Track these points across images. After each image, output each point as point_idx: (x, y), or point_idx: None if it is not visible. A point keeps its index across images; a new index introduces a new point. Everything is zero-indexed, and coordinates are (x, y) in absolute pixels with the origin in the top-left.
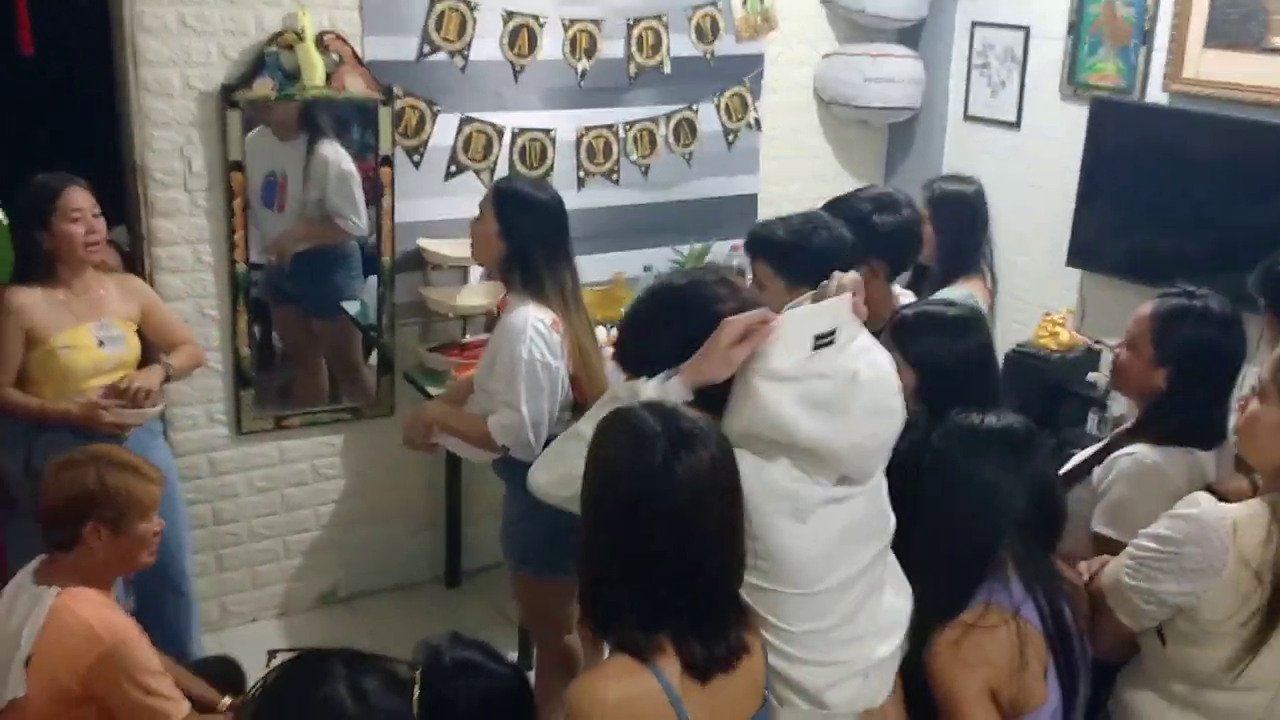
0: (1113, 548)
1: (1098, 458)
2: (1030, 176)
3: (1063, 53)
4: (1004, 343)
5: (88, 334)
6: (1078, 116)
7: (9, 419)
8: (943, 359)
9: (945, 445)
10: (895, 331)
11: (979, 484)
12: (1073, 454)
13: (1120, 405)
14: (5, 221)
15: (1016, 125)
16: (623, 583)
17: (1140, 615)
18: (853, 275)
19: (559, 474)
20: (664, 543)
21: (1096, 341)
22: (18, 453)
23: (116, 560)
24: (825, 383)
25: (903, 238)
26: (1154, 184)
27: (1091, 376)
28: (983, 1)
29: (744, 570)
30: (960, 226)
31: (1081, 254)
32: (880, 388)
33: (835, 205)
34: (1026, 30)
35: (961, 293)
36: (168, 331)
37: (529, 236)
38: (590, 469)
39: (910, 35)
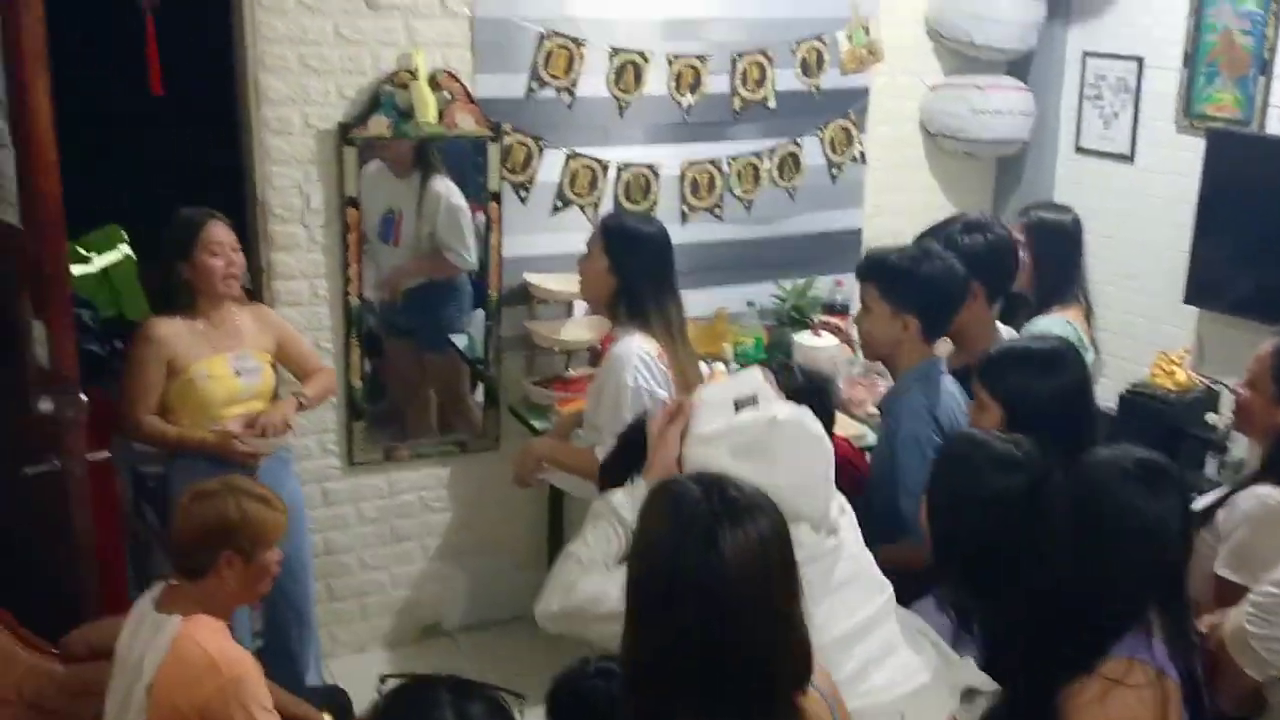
0: (1235, 592)
1: (1220, 503)
2: (1144, 210)
3: (1178, 83)
4: (1116, 382)
5: (225, 364)
6: (1194, 149)
7: (148, 446)
8: (1033, 396)
9: (1095, 480)
10: (982, 368)
11: (1143, 522)
12: (1192, 498)
13: (1241, 448)
14: (133, 257)
15: (1130, 158)
16: (667, 678)
17: (1264, 665)
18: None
19: (559, 602)
20: (709, 631)
21: (1215, 381)
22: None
23: (241, 590)
24: (748, 432)
25: (993, 257)
26: (1275, 218)
27: (1211, 418)
28: (1094, 32)
29: (809, 670)
30: (1059, 255)
31: (1199, 291)
32: (799, 425)
33: (927, 234)
34: (1140, 61)
35: (1058, 321)
36: (303, 361)
37: (637, 271)
38: (633, 545)
39: (1019, 66)
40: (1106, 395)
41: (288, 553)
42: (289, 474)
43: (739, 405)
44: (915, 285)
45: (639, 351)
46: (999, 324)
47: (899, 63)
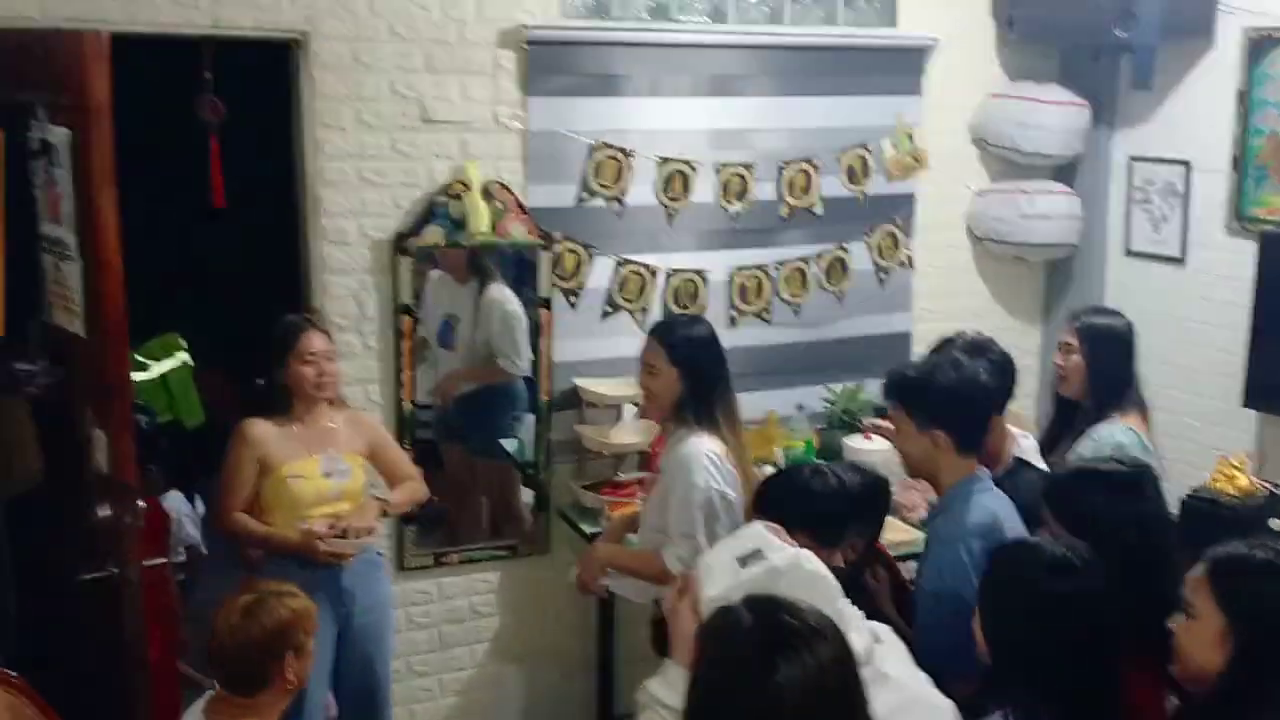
0: None
1: None
2: (1197, 313)
3: (1227, 186)
4: (1176, 487)
5: (316, 465)
6: (1246, 251)
7: (238, 543)
8: (1109, 523)
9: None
10: (1050, 493)
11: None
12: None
13: None
14: (190, 363)
15: (1181, 260)
16: None
17: None
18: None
19: None
20: None
21: (1278, 486)
22: None
23: (296, 686)
24: (755, 586)
25: (1001, 378)
26: None
27: (1274, 524)
28: (1141, 137)
29: None
30: (1114, 359)
31: (1259, 394)
32: (798, 568)
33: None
34: (1187, 165)
35: (1120, 428)
36: (395, 468)
37: (705, 373)
38: (690, 677)
39: (1066, 171)
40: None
41: (370, 652)
42: (380, 575)
43: (743, 562)
44: (935, 397)
45: (707, 452)
46: (1027, 435)
47: (945, 169)
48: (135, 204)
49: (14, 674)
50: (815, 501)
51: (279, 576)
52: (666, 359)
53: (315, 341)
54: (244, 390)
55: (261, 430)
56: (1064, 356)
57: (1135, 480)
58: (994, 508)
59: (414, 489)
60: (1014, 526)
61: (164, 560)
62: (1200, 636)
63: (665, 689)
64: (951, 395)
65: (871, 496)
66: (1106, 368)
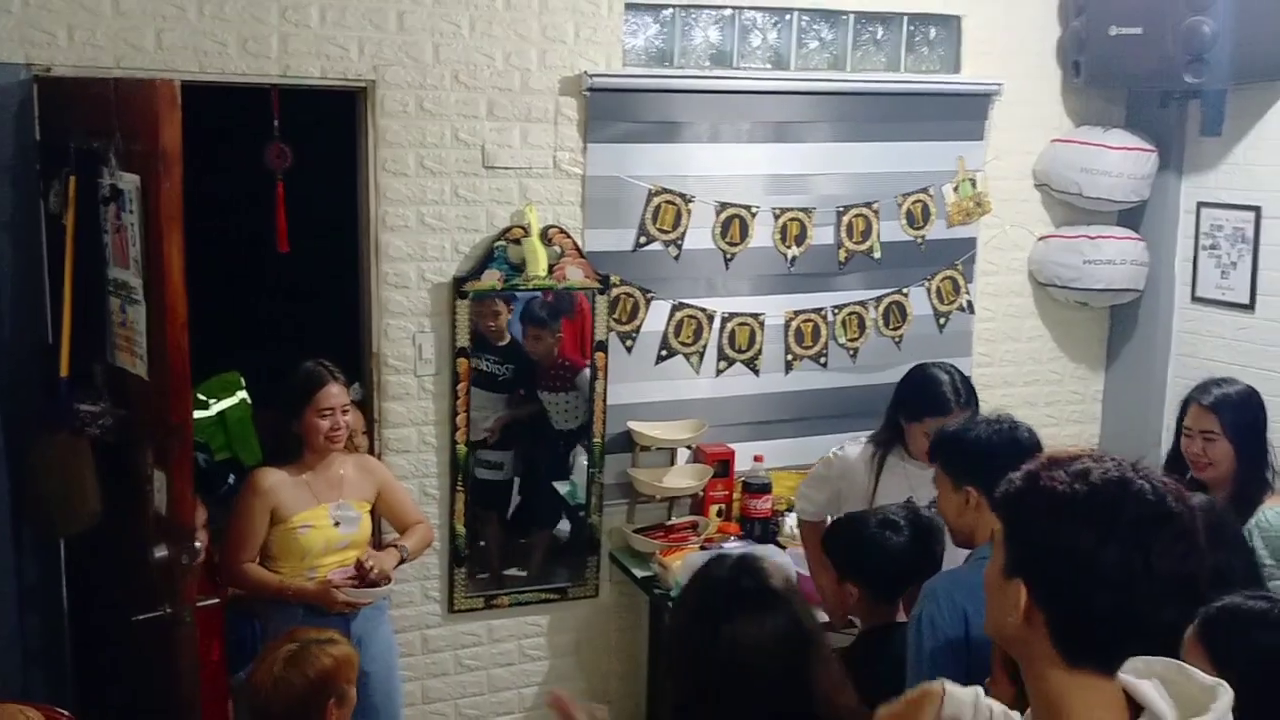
0: None
1: None
2: (1268, 360)
3: None
4: None
5: (325, 514)
6: None
7: (249, 593)
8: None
9: None
10: (1206, 632)
11: None
12: None
13: None
14: (248, 402)
15: (1250, 307)
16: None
17: None
18: None
19: None
20: (718, 709)
21: None
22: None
23: None
24: None
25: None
26: None
27: None
28: (1209, 182)
29: None
30: (1259, 433)
31: None
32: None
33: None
34: (1257, 210)
35: (1272, 512)
36: (402, 512)
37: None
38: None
39: (1131, 216)
40: None
41: (379, 702)
42: (384, 620)
43: None
44: (967, 451)
45: None
46: None
47: (1007, 214)
48: (200, 247)
49: (65, 711)
50: (875, 557)
51: (286, 625)
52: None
53: (333, 396)
54: None
55: (274, 480)
56: (1203, 444)
57: None
58: None
59: (425, 536)
60: None
61: (217, 600)
62: None
63: None
64: (983, 448)
65: (928, 544)
66: (1254, 444)
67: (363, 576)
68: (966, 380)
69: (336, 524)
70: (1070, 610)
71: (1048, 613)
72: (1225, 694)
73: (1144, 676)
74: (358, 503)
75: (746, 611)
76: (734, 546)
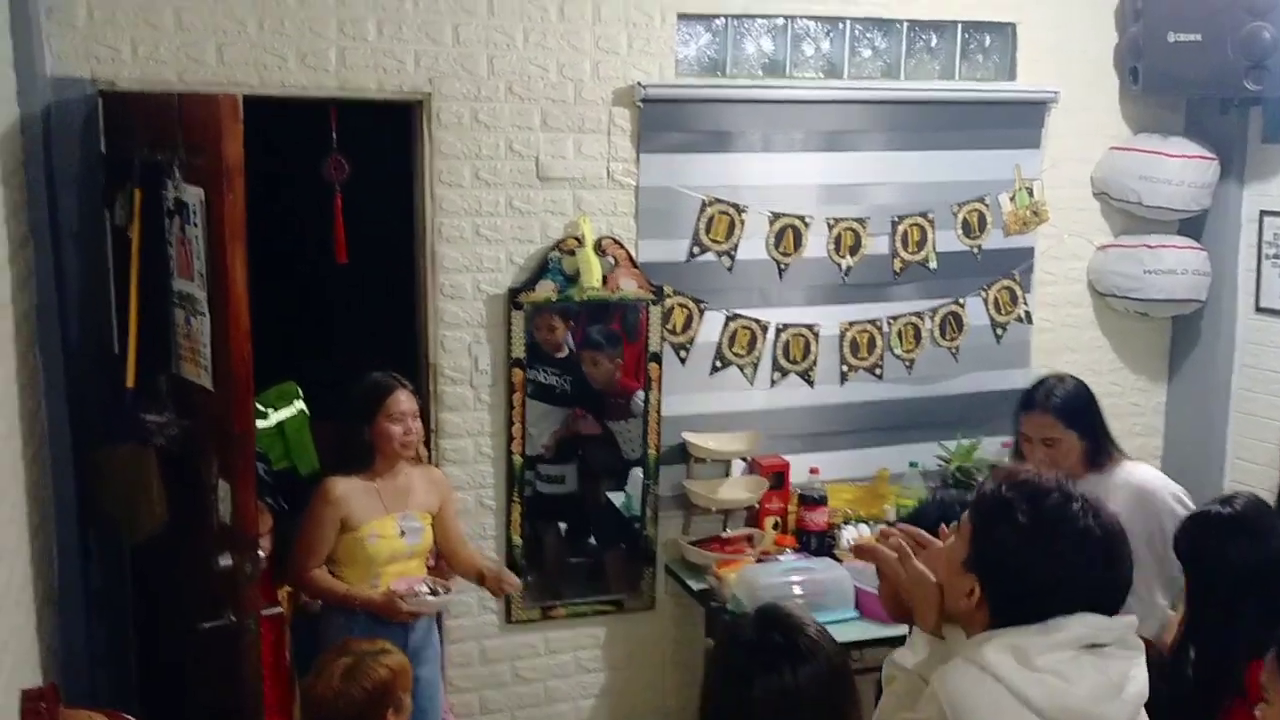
0: None
1: None
2: None
3: None
4: None
5: (393, 524)
6: None
7: (313, 598)
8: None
9: None
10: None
11: None
12: None
13: None
14: (306, 412)
15: None
16: None
17: None
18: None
19: None
20: None
21: None
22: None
23: None
24: None
25: None
26: None
27: None
28: (1271, 190)
29: None
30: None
31: None
32: None
33: None
34: None
35: None
36: (455, 532)
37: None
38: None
39: (1192, 225)
40: None
41: (425, 705)
42: (434, 628)
43: None
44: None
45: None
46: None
47: (1065, 223)
48: (261, 259)
49: (131, 717)
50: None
51: (343, 633)
52: (1063, 425)
53: (404, 401)
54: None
55: (344, 488)
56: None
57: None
58: None
59: (479, 557)
60: None
61: (280, 610)
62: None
63: (905, 653)
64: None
65: None
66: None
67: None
68: None
69: (402, 534)
70: (1012, 605)
71: (993, 604)
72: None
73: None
74: (421, 514)
75: (782, 667)
76: (791, 559)
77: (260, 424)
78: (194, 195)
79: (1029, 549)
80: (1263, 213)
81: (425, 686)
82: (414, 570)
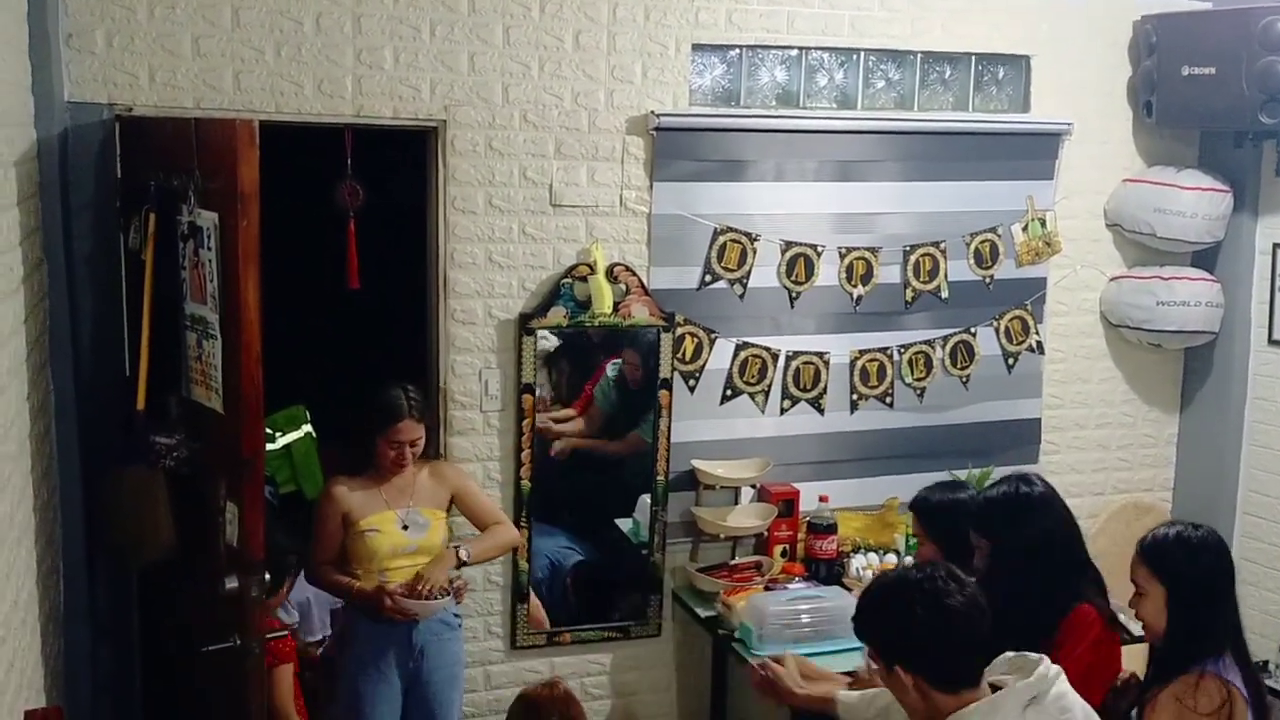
0: None
1: None
2: None
3: None
4: None
5: (393, 519)
6: None
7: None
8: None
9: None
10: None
11: None
12: None
13: None
14: (314, 435)
15: None
16: None
17: None
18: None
19: None
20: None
21: None
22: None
23: None
24: None
25: None
26: None
27: None
28: None
29: None
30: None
31: None
32: None
33: None
34: None
35: None
36: (480, 514)
37: None
38: None
39: (1205, 257)
40: None
41: (435, 709)
42: (454, 636)
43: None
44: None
45: None
46: None
47: (1078, 254)
48: (273, 283)
49: None
50: None
51: (350, 626)
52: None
53: (407, 431)
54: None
55: (345, 487)
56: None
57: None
58: None
59: (499, 537)
60: None
61: (285, 633)
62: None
63: None
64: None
65: None
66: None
67: (412, 589)
68: None
69: (404, 528)
70: (933, 668)
71: (924, 676)
72: (1046, 663)
73: (997, 668)
74: (428, 510)
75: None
76: (799, 587)
77: (268, 447)
78: (209, 219)
79: (922, 626)
80: (1276, 245)
81: (434, 689)
82: (423, 565)
